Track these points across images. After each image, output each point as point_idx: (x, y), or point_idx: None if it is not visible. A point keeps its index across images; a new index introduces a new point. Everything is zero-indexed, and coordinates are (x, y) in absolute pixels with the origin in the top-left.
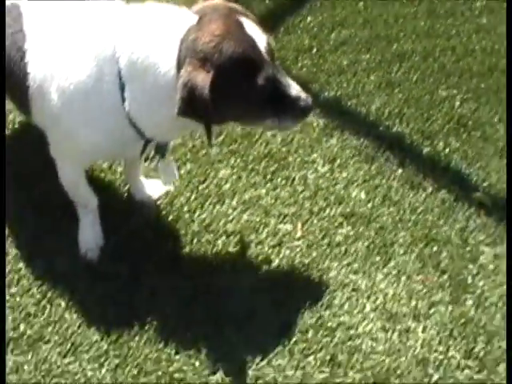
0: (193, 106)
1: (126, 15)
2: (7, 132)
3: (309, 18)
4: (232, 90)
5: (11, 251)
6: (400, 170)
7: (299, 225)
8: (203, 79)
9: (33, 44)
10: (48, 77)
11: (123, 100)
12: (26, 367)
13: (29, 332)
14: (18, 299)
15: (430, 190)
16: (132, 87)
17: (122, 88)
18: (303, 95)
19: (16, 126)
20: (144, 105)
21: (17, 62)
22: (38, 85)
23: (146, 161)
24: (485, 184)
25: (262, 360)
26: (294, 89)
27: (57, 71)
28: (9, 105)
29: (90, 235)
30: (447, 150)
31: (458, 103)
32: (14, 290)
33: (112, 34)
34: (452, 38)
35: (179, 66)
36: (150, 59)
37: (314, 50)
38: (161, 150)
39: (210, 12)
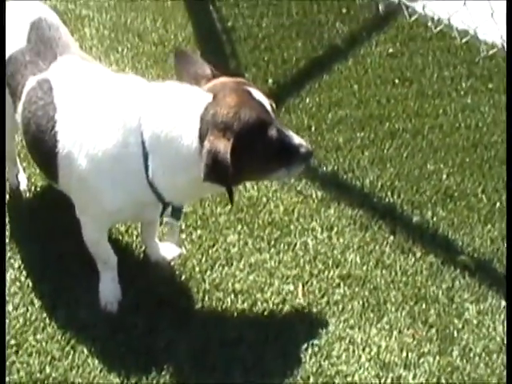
0: (216, 170)
1: (149, 91)
2: (34, 192)
3: (307, 99)
4: (250, 151)
5: (36, 302)
6: (392, 237)
7: (300, 285)
8: (225, 146)
9: (63, 115)
10: (77, 144)
11: (146, 167)
12: None
13: (54, 374)
14: (43, 344)
15: (418, 254)
16: (155, 156)
17: (146, 157)
18: (304, 142)
19: (41, 184)
20: (166, 172)
21: (47, 131)
22: (66, 151)
23: (160, 225)
24: (469, 249)
25: None
26: (296, 138)
27: (86, 139)
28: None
29: (109, 289)
30: (435, 218)
31: (444, 176)
32: (39, 336)
33: (137, 108)
34: (439, 117)
35: (201, 139)
36: (173, 133)
37: (313, 128)
38: (176, 213)
39: (221, 89)
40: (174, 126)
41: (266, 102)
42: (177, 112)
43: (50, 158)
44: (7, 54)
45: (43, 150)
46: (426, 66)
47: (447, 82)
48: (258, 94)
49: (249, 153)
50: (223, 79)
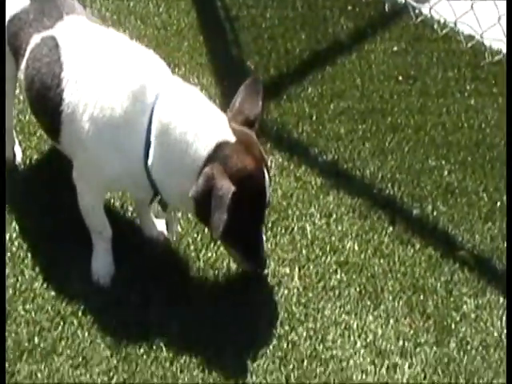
0: (208, 200)
1: (172, 83)
2: (28, 165)
3: (310, 89)
4: (235, 216)
5: (27, 272)
6: (391, 228)
7: (297, 269)
8: (228, 185)
9: (69, 73)
10: (82, 105)
11: (145, 154)
12: (39, 375)
13: (42, 344)
14: (32, 315)
15: (418, 246)
16: (158, 148)
17: (147, 144)
18: (265, 256)
19: (37, 157)
20: (165, 169)
21: (52, 89)
22: (70, 111)
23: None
24: (469, 245)
25: None
26: (262, 247)
27: (92, 102)
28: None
29: (102, 263)
30: (435, 212)
31: (446, 172)
32: (28, 306)
33: (154, 91)
34: (442, 115)
35: (207, 162)
36: (186, 138)
37: (314, 117)
38: (164, 204)
39: (246, 141)
40: (190, 133)
41: (269, 190)
42: (199, 123)
43: (52, 116)
44: (11, 14)
45: (47, 107)
46: (431, 65)
47: (451, 82)
48: (267, 177)
49: (239, 216)
50: (253, 134)
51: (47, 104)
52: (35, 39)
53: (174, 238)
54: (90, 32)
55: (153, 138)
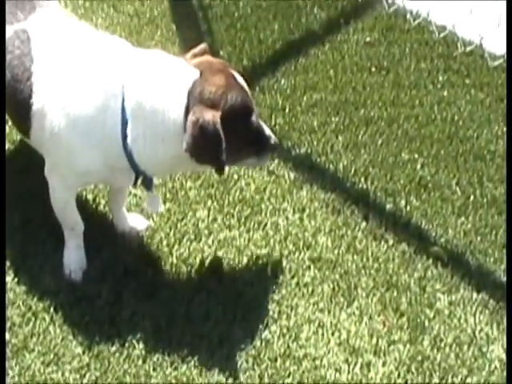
0: (202, 142)
1: (134, 57)
2: None
3: (282, 81)
4: (233, 132)
5: None
6: (364, 223)
7: (270, 265)
8: (213, 115)
9: (40, 67)
10: (53, 99)
11: (123, 135)
12: (10, 373)
13: (13, 341)
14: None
15: (391, 242)
16: (136, 125)
17: (125, 124)
18: (273, 135)
19: (8, 147)
20: (147, 143)
21: (22, 82)
22: (41, 105)
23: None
24: (442, 240)
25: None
26: (267, 129)
27: (63, 95)
28: None
29: (74, 257)
30: (408, 207)
31: (419, 166)
32: None
33: (121, 73)
34: (415, 108)
35: (187, 114)
36: (159, 104)
37: (287, 109)
38: (147, 183)
39: (208, 67)
40: (161, 98)
41: (247, 88)
42: (164, 83)
43: (23, 110)
44: None
45: (17, 100)
46: (403, 56)
47: (424, 74)
48: (241, 80)
49: (233, 133)
50: (209, 58)
51: (18, 97)
52: (8, 32)
53: (159, 210)
54: (60, 25)
55: (129, 117)
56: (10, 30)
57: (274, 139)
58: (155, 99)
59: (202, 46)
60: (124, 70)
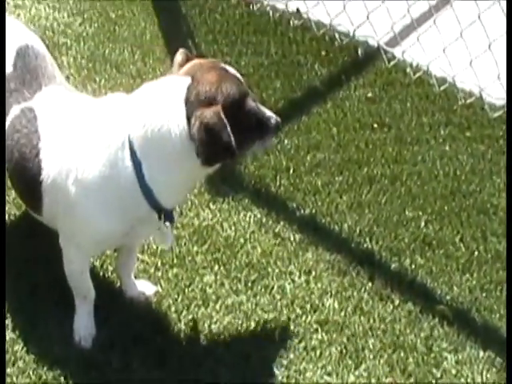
0: (212, 138)
1: (129, 101)
2: (9, 221)
3: (286, 141)
4: (235, 120)
5: (8, 334)
6: (370, 284)
7: (277, 329)
8: (213, 111)
9: (47, 143)
10: (63, 172)
11: (140, 176)
12: None
13: None
14: (14, 379)
15: (397, 302)
16: (149, 160)
17: (139, 166)
18: (273, 114)
19: (15, 213)
20: (163, 171)
21: (31, 160)
22: (52, 180)
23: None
24: (447, 297)
25: None
26: (267, 111)
27: (72, 166)
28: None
29: (84, 325)
30: (413, 265)
31: (423, 224)
32: (9, 370)
33: (121, 123)
34: (418, 164)
35: (189, 122)
36: (161, 128)
37: (291, 170)
38: (169, 217)
39: (198, 69)
40: (161, 121)
41: (240, 77)
42: (160, 107)
43: (33, 187)
44: None
45: (26, 178)
46: (405, 111)
47: (426, 128)
48: (233, 70)
49: (232, 124)
50: (197, 61)
51: (27, 175)
52: (15, 110)
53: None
54: (65, 102)
55: (140, 157)
56: (17, 109)
57: (275, 118)
58: (157, 124)
59: (180, 51)
60: (123, 118)
